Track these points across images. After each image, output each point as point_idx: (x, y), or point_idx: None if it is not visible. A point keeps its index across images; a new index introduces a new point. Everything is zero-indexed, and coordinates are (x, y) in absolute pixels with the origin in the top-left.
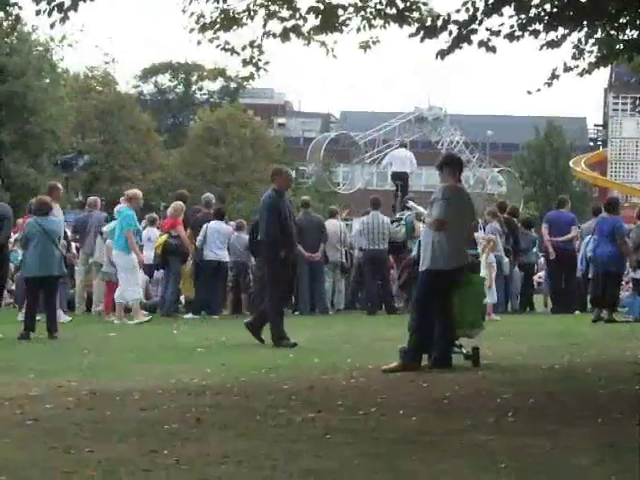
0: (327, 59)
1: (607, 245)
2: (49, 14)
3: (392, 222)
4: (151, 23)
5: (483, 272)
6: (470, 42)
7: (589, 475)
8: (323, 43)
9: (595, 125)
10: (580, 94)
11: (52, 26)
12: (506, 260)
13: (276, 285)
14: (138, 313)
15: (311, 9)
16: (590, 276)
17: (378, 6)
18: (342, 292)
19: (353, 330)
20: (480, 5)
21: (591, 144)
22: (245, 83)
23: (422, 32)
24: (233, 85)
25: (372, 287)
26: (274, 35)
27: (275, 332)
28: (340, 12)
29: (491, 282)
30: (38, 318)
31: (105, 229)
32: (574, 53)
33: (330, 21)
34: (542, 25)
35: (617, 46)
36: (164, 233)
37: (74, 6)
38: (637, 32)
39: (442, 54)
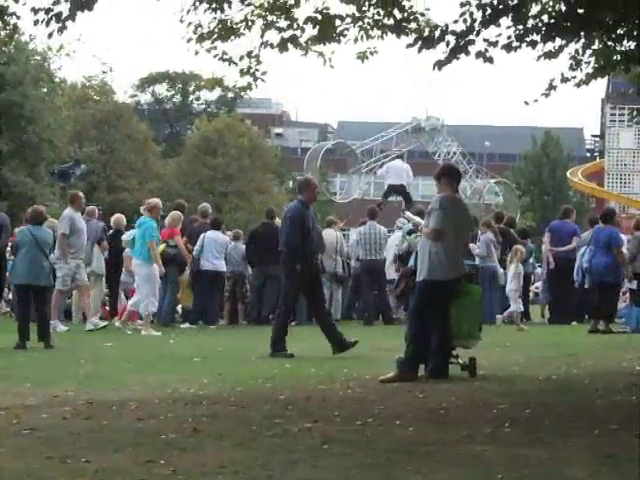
0: (325, 69)
1: (603, 255)
2: (47, 24)
3: (410, 233)
4: (148, 33)
5: (511, 282)
6: (467, 53)
7: None
8: (321, 53)
9: (592, 136)
10: (577, 105)
11: (50, 36)
12: (501, 271)
13: (289, 296)
14: (149, 326)
15: (309, 19)
16: (586, 286)
17: (375, 17)
18: (339, 302)
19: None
20: (478, 16)
21: (588, 155)
22: (242, 93)
23: (419, 43)
24: (230, 95)
25: (369, 297)
26: (272, 45)
27: (275, 340)
28: (338, 22)
29: (519, 291)
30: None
31: (124, 238)
32: (571, 64)
33: (328, 31)
34: (539, 36)
35: (614, 57)
36: (162, 242)
37: (72, 16)
38: (634, 43)
39: (439, 65)
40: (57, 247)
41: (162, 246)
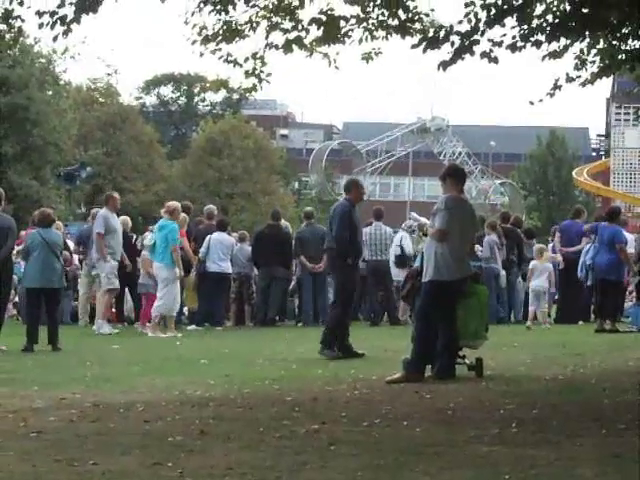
0: (329, 70)
1: (606, 253)
2: (52, 27)
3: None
4: (153, 35)
5: (540, 279)
6: (472, 53)
7: None
8: (325, 54)
9: (597, 135)
10: (582, 104)
11: (55, 39)
12: (503, 272)
13: (345, 291)
14: (157, 328)
15: (313, 20)
16: (589, 283)
17: (380, 17)
18: None
19: (356, 341)
20: (482, 16)
21: (594, 154)
22: (248, 94)
23: (424, 43)
24: (236, 96)
25: (374, 298)
26: (276, 47)
27: (326, 338)
28: (342, 23)
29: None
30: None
31: (146, 243)
32: (576, 63)
33: (332, 32)
34: (544, 36)
35: (619, 56)
36: None
37: (77, 19)
38: (639, 42)
39: (444, 65)
40: (95, 247)
41: None
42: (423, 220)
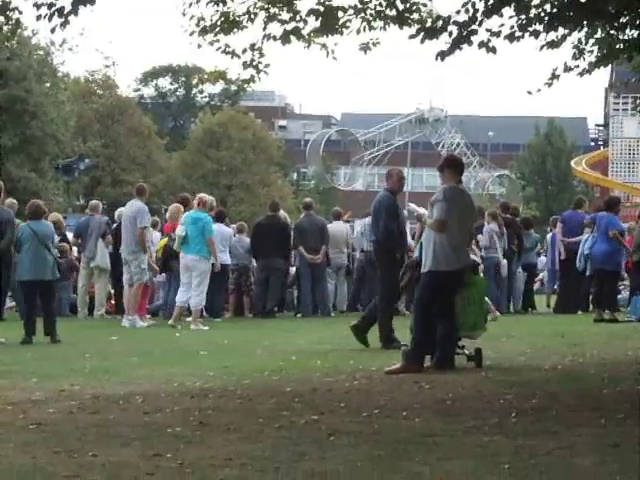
0: (327, 61)
1: (603, 242)
2: (49, 19)
3: None
4: (151, 26)
5: None
6: (470, 43)
7: (592, 476)
8: (324, 45)
9: (596, 125)
10: (581, 94)
11: (53, 30)
12: (504, 262)
13: (391, 287)
14: (199, 320)
15: (311, 11)
16: (587, 274)
17: (378, 8)
18: (345, 295)
19: None
20: (480, 6)
21: (592, 144)
22: (246, 86)
23: (422, 33)
24: (234, 88)
25: (374, 288)
26: (274, 38)
27: (384, 334)
28: (340, 14)
29: None
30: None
31: (178, 233)
32: (574, 53)
33: (330, 23)
34: (542, 25)
35: (617, 46)
36: (165, 236)
37: (74, 11)
38: (637, 32)
39: (442, 55)
40: (136, 241)
41: (165, 239)
42: (422, 211)
